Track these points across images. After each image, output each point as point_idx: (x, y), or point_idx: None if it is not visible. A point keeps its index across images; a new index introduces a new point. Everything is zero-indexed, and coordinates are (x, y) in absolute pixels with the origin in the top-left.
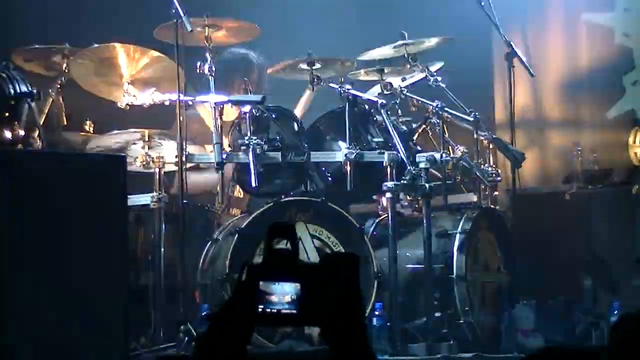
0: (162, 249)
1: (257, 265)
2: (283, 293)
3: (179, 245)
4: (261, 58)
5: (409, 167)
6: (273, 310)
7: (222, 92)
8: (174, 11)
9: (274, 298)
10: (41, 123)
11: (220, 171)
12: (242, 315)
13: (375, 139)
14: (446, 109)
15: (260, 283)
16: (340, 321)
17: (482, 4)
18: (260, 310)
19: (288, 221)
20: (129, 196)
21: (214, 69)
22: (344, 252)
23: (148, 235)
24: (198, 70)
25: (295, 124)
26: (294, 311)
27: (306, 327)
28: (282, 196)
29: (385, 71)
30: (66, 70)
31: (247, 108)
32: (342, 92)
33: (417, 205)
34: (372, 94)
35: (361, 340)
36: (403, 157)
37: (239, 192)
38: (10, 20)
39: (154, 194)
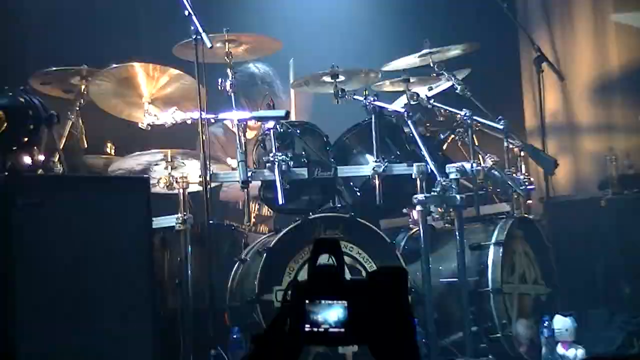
0: (189, 272)
1: (303, 283)
2: (330, 312)
3: (206, 267)
4: (268, 70)
5: (439, 179)
6: (320, 330)
7: (245, 108)
8: (193, 28)
9: (320, 317)
10: (61, 147)
11: (246, 189)
12: (289, 336)
13: (403, 151)
14: (475, 117)
15: (307, 302)
16: (391, 340)
17: (507, 7)
18: (307, 329)
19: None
20: (153, 219)
21: (235, 85)
22: (391, 266)
23: (174, 257)
24: (219, 87)
25: (321, 139)
26: (342, 330)
27: (340, 347)
28: (310, 213)
29: (411, 81)
30: (85, 92)
31: (270, 124)
32: (367, 104)
33: (448, 217)
34: (399, 105)
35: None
36: (432, 168)
37: (266, 210)
38: (27, 43)
39: (179, 215)
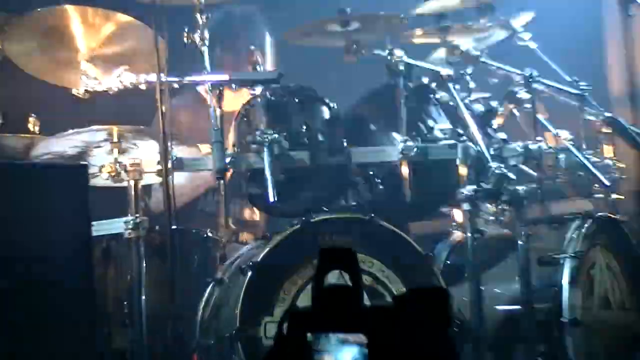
0: (143, 296)
1: (304, 312)
2: (343, 351)
3: (167, 290)
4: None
5: (491, 165)
6: None
7: (221, 70)
8: None
9: (329, 357)
10: None
11: (222, 181)
12: None
13: (442, 127)
14: (541, 79)
15: (310, 337)
16: None
17: None
18: None
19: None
20: (93, 223)
21: (207, 36)
22: (426, 288)
23: (122, 276)
24: (186, 40)
25: (328, 110)
26: None
27: None
28: (313, 214)
29: (452, 29)
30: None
31: (257, 90)
32: (391, 61)
33: (505, 219)
34: (434, 62)
35: None
36: (483, 150)
37: (250, 210)
38: None
39: (129, 217)
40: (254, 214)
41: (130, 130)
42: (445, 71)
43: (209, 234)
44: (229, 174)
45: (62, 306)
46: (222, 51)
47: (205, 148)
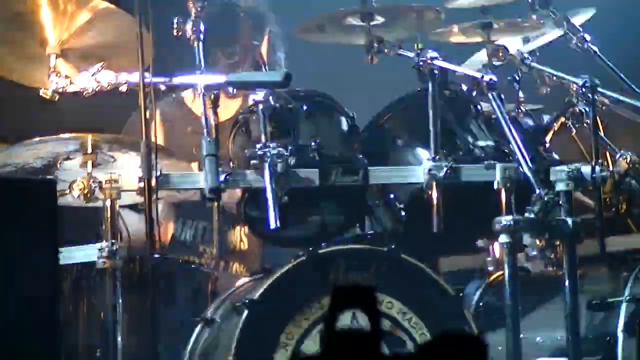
0: (119, 338)
1: (310, 358)
2: None
3: (147, 331)
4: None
5: (538, 190)
6: None
7: (217, 70)
8: None
9: None
10: None
11: (216, 203)
12: None
13: (480, 143)
14: (601, 89)
15: None
16: None
17: None
18: None
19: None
20: (61, 249)
21: (202, 29)
22: (458, 335)
23: (95, 313)
24: (176, 33)
25: (343, 121)
26: None
27: None
28: (323, 244)
29: (495, 26)
30: None
31: (259, 95)
32: (421, 64)
33: (553, 256)
34: (474, 66)
35: None
36: (528, 172)
37: (245, 237)
38: None
39: (104, 243)
40: (249, 241)
41: (107, 140)
42: (487, 77)
43: (198, 265)
44: (223, 195)
45: (23, 348)
46: (218, 47)
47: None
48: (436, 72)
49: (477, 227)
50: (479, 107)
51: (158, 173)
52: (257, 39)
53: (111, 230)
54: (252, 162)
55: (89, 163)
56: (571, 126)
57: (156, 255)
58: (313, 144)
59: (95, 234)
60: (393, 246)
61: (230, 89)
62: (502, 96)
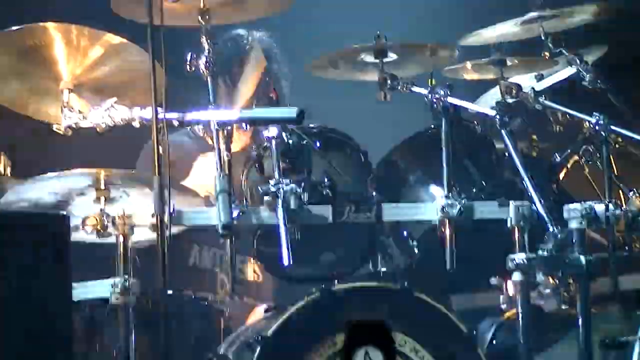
0: None
1: None
2: None
3: None
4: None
5: (551, 228)
6: None
7: (229, 105)
8: None
9: None
10: None
11: (230, 239)
12: None
13: (493, 181)
14: (614, 127)
15: None
16: None
17: None
18: None
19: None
20: (74, 284)
21: (214, 62)
22: None
23: (107, 348)
24: (189, 68)
25: (356, 157)
26: None
27: None
28: (335, 281)
29: (508, 64)
30: None
31: (273, 131)
32: (434, 101)
33: (566, 294)
34: (487, 103)
35: None
36: (541, 210)
37: (258, 273)
38: None
39: (117, 279)
40: (261, 277)
41: (120, 175)
42: (500, 115)
43: (210, 301)
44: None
45: None
46: (231, 83)
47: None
48: (449, 109)
49: (491, 265)
50: (492, 144)
51: (171, 209)
52: (269, 75)
53: (124, 266)
54: (265, 198)
55: (102, 199)
56: (584, 164)
57: (169, 291)
58: (326, 180)
59: (108, 270)
60: (406, 283)
61: (244, 125)
62: (515, 134)
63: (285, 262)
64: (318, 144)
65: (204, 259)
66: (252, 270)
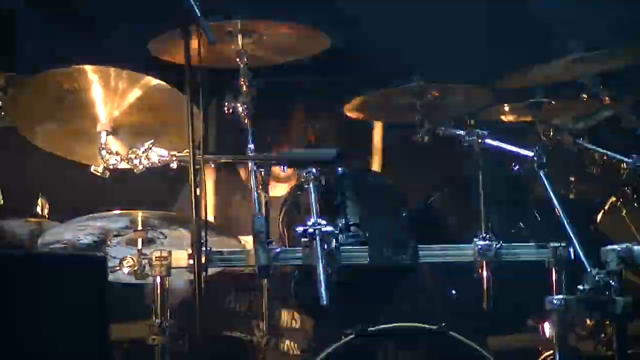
0: None
1: None
2: None
3: None
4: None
5: (589, 270)
6: None
7: (268, 147)
8: (184, 10)
9: None
10: None
11: (265, 280)
12: None
13: (531, 223)
14: None
15: None
16: None
17: None
18: None
19: None
20: (112, 325)
21: (253, 104)
22: None
23: None
24: (226, 110)
25: (394, 200)
26: None
27: None
28: (371, 322)
29: (547, 106)
30: (2, 114)
31: (311, 172)
32: (472, 143)
33: (604, 336)
34: (524, 145)
35: None
36: (579, 251)
37: (294, 313)
38: None
39: (153, 320)
40: (297, 318)
41: (158, 217)
42: (539, 157)
43: (245, 339)
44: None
45: None
46: (269, 124)
47: (245, 238)
48: (487, 150)
49: (528, 306)
50: (529, 186)
51: (208, 250)
52: (308, 117)
53: (161, 307)
54: (303, 239)
55: (139, 240)
56: (621, 206)
57: (203, 333)
58: (363, 222)
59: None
60: (443, 325)
61: (283, 167)
62: (553, 176)
63: (322, 302)
64: (356, 186)
65: (240, 299)
66: (290, 316)
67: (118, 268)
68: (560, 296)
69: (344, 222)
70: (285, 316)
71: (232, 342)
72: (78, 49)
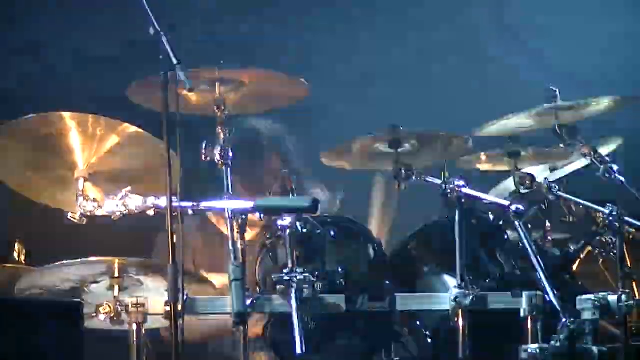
0: None
1: None
2: None
3: None
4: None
5: (564, 319)
6: None
7: (243, 195)
8: (162, 57)
9: None
10: None
11: (243, 327)
12: None
13: (506, 272)
14: (628, 219)
15: None
16: None
17: None
18: None
19: None
20: None
21: (229, 152)
22: None
23: None
24: (203, 157)
25: (371, 248)
26: None
27: None
28: None
29: (523, 155)
30: None
31: (287, 220)
32: (448, 191)
33: None
34: (501, 194)
35: None
36: (554, 301)
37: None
38: None
39: None
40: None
41: (134, 264)
42: (514, 206)
43: None
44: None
45: None
46: (245, 172)
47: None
48: (463, 199)
49: (503, 355)
50: (505, 235)
51: (185, 297)
52: (284, 167)
53: (137, 354)
54: (279, 287)
55: (116, 287)
56: (598, 255)
57: None
58: (340, 269)
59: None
60: None
61: (259, 215)
62: (529, 225)
63: (298, 350)
64: (332, 233)
65: (225, 345)
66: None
67: (95, 314)
68: (536, 345)
69: (320, 269)
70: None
71: None
72: (55, 95)
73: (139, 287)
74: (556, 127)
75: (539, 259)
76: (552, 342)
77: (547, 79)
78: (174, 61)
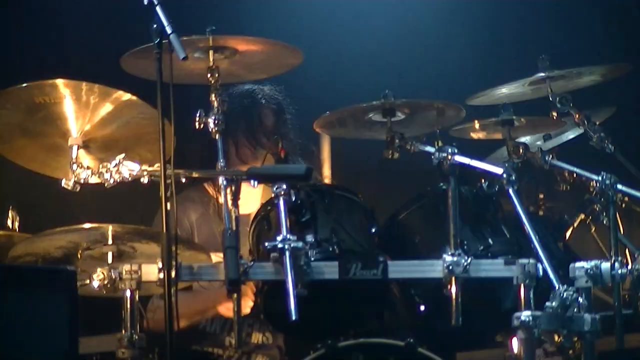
0: None
1: None
2: None
3: None
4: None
5: (557, 287)
6: None
7: (237, 161)
8: (155, 26)
9: None
10: None
11: (236, 295)
12: None
13: (499, 240)
14: (621, 186)
15: None
16: None
17: None
18: None
19: None
20: (81, 339)
21: (222, 121)
22: None
23: None
24: (197, 125)
25: (363, 215)
26: None
27: None
28: (341, 338)
29: (516, 124)
30: None
31: (280, 188)
32: (441, 160)
33: (572, 352)
34: (494, 162)
35: None
36: (547, 268)
37: (266, 331)
38: None
39: (123, 333)
40: (268, 334)
41: (128, 231)
42: (507, 174)
43: (215, 355)
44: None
45: None
46: (240, 139)
47: (215, 255)
48: (456, 167)
49: (496, 322)
50: (498, 203)
51: (178, 264)
52: (279, 132)
53: (130, 321)
54: (272, 254)
55: (110, 254)
56: (590, 223)
57: (177, 348)
58: (333, 237)
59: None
60: (411, 340)
61: (252, 182)
62: (522, 193)
63: (292, 317)
64: (326, 201)
65: (215, 326)
66: (264, 329)
67: (88, 282)
68: (529, 312)
69: (313, 237)
70: (256, 331)
71: (203, 357)
72: (49, 63)
73: (133, 254)
74: (550, 96)
75: (532, 227)
76: (545, 310)
77: (543, 47)
78: (168, 30)
